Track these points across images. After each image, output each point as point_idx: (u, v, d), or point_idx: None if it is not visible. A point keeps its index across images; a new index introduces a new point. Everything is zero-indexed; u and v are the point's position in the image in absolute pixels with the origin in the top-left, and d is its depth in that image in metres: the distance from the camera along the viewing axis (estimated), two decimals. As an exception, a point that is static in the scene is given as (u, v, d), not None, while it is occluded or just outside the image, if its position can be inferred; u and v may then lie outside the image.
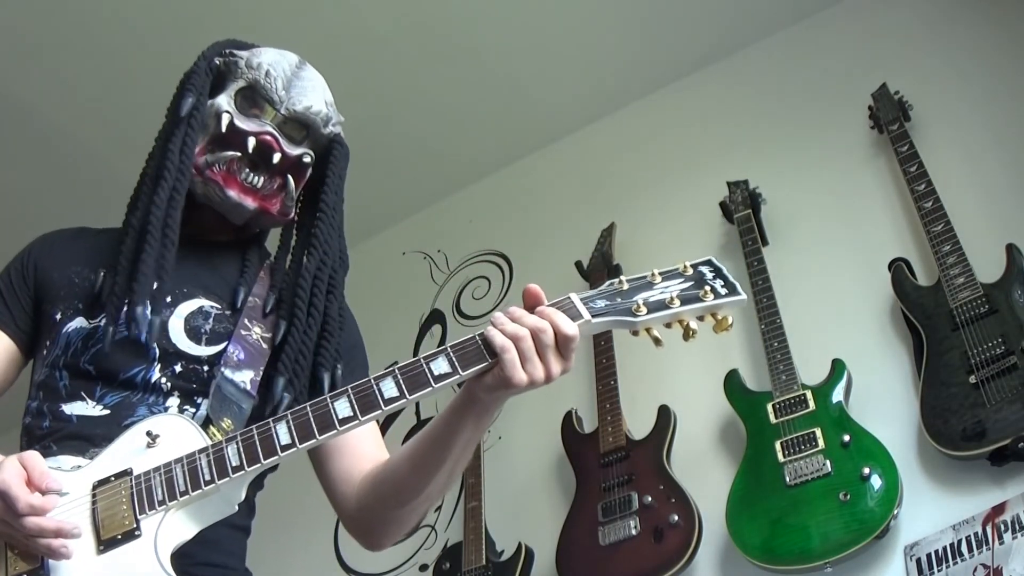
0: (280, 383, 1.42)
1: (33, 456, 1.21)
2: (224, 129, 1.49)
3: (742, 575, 2.37)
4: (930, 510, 2.25)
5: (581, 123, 3.60)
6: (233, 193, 1.50)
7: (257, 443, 1.24)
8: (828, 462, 2.29)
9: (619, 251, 3.13)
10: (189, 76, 1.55)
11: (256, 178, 1.51)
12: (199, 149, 1.50)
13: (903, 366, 2.51)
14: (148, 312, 1.38)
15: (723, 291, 1.27)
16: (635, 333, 1.26)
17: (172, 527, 1.23)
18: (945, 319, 2.37)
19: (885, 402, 2.47)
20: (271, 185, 1.53)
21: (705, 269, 1.30)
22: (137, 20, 3.06)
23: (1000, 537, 2.05)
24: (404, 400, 1.23)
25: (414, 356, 1.25)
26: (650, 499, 2.50)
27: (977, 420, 2.17)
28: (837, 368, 2.49)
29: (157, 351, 1.41)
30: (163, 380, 1.40)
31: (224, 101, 1.52)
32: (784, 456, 2.36)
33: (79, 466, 1.28)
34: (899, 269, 2.55)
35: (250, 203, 1.51)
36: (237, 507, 1.29)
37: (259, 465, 1.23)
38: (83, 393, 1.39)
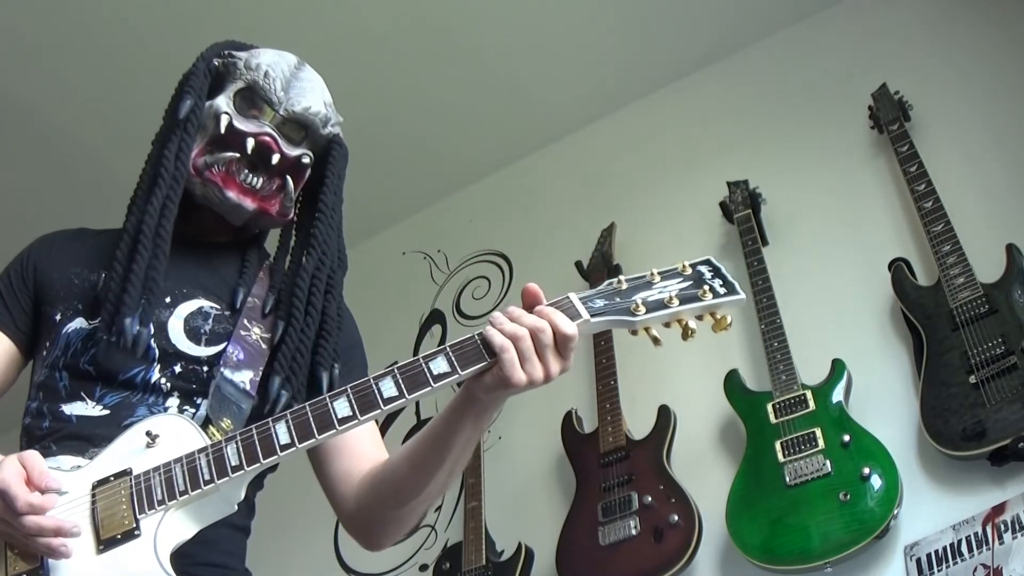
0: (276, 381, 1.43)
1: (33, 455, 1.21)
2: (223, 130, 1.49)
3: (742, 575, 2.37)
4: (930, 510, 2.25)
5: (581, 123, 3.60)
6: (232, 194, 1.50)
7: (256, 443, 1.24)
8: (828, 462, 2.29)
9: (619, 251, 3.13)
10: (187, 78, 1.55)
11: (255, 179, 1.51)
12: (198, 150, 1.51)
13: (903, 366, 2.51)
14: (137, 325, 1.38)
15: (722, 290, 1.27)
16: (634, 332, 1.26)
17: (171, 527, 1.23)
18: (945, 319, 2.37)
19: (885, 402, 2.47)
20: (270, 186, 1.53)
21: (704, 269, 1.30)
22: (137, 20, 3.06)
23: (1000, 537, 2.05)
24: (403, 399, 1.23)
25: (414, 356, 1.25)
26: (650, 499, 2.50)
27: (977, 420, 2.17)
28: (837, 368, 2.49)
29: (157, 352, 1.41)
30: (163, 380, 1.40)
31: (223, 102, 1.52)
32: (784, 456, 2.36)
33: (78, 466, 1.28)
34: (899, 269, 2.55)
35: (249, 204, 1.51)
36: (236, 507, 1.29)
37: (258, 465, 1.23)
38: (83, 393, 1.39)
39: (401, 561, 3.06)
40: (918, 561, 2.16)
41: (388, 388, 1.23)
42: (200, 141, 1.51)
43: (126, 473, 1.25)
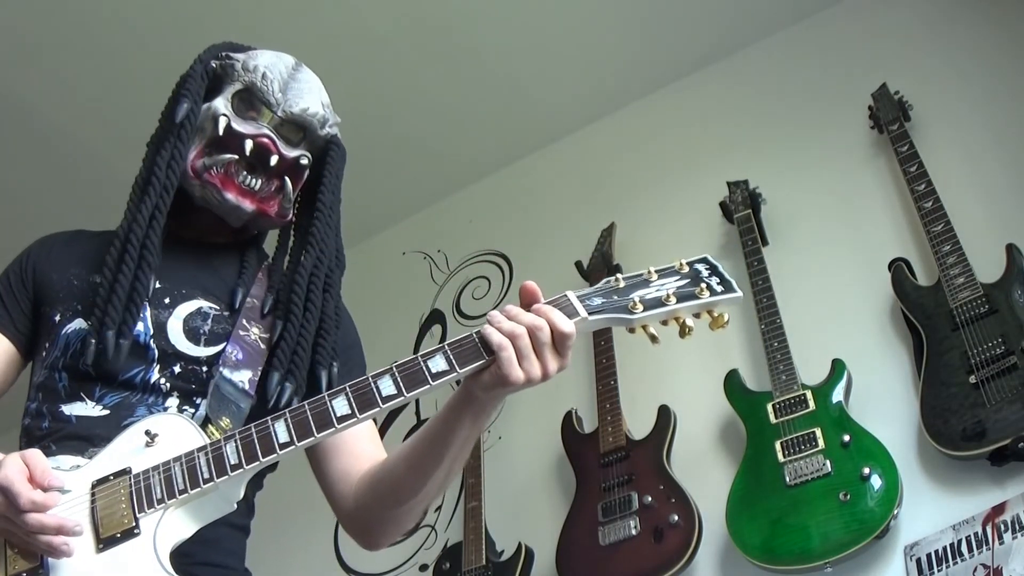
0: (274, 378, 1.43)
1: (35, 453, 1.21)
2: (221, 132, 1.50)
3: (742, 575, 2.37)
4: (930, 510, 2.25)
5: (581, 123, 3.60)
6: (231, 196, 1.50)
7: (256, 441, 1.24)
8: (828, 462, 2.29)
9: (619, 251, 3.13)
10: (184, 81, 1.56)
11: (254, 180, 1.52)
12: (196, 152, 1.51)
13: (903, 366, 2.51)
14: (120, 339, 1.38)
15: (719, 288, 1.27)
16: (632, 330, 1.26)
17: (171, 525, 1.23)
18: (945, 319, 2.37)
19: (885, 402, 2.47)
20: (269, 187, 1.54)
21: (701, 267, 1.31)
22: (137, 20, 3.06)
23: (1000, 537, 2.05)
24: (402, 398, 1.23)
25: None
26: (650, 499, 2.50)
27: (977, 420, 2.17)
28: (837, 368, 2.49)
29: (156, 352, 1.41)
30: (162, 381, 1.40)
31: (221, 104, 1.52)
32: (784, 456, 2.36)
33: (78, 466, 1.28)
34: (899, 269, 2.55)
35: (248, 205, 1.52)
36: (236, 506, 1.29)
37: (258, 463, 1.23)
38: (82, 394, 1.39)
39: (401, 561, 3.06)
40: (918, 561, 2.16)
41: (387, 386, 1.23)
42: (198, 143, 1.51)
43: (125, 472, 1.25)
